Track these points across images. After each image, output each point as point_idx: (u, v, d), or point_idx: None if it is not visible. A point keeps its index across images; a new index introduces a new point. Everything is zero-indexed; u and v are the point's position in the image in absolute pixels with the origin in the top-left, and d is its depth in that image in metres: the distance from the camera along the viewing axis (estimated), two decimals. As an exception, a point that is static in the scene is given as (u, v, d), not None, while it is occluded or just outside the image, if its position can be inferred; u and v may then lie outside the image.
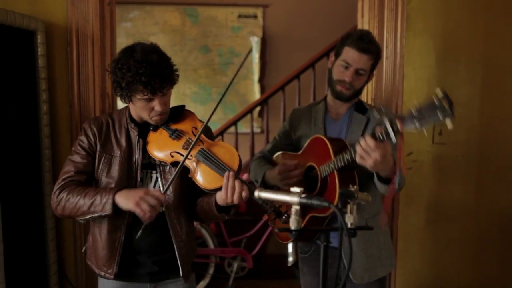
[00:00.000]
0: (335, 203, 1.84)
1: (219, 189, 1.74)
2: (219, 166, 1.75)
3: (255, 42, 5.82)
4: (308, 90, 4.95)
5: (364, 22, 2.81)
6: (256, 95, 5.82)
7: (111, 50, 2.66)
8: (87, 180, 1.84)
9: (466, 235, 2.88)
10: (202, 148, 1.79)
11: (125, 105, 1.93)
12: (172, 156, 1.81)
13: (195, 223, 3.79)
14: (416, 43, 2.73)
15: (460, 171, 2.83)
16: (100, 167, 1.85)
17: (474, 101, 2.80)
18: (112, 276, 1.83)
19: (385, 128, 1.59)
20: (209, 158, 1.77)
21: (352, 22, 3.06)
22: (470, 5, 2.75)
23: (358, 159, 1.70)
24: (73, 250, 2.69)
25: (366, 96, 2.83)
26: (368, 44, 1.98)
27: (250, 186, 1.74)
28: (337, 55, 2.04)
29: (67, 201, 1.76)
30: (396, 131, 1.57)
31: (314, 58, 4.89)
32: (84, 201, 1.74)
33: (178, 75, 1.80)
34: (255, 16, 5.81)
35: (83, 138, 1.87)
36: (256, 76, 5.87)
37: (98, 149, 1.85)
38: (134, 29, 5.61)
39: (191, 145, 1.76)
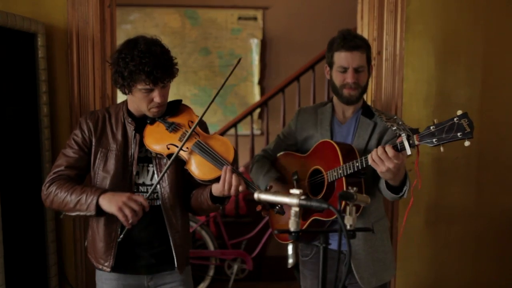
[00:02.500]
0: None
1: (214, 180, 1.77)
2: (214, 158, 1.78)
3: (255, 44, 5.83)
4: (308, 92, 4.95)
5: (363, 24, 2.82)
6: (256, 97, 5.83)
7: (111, 53, 2.66)
8: (77, 176, 1.87)
9: (466, 236, 2.88)
10: (198, 140, 1.83)
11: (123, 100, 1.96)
12: (169, 148, 1.84)
13: (195, 224, 3.81)
14: (415, 45, 2.73)
15: (460, 172, 2.83)
16: (96, 161, 1.87)
17: (474, 102, 2.80)
18: (109, 269, 1.86)
19: (402, 141, 1.63)
20: (204, 149, 1.80)
21: (352, 24, 3.07)
22: (470, 7, 2.76)
23: (370, 162, 1.72)
24: (73, 252, 2.69)
25: (366, 98, 2.83)
26: (353, 41, 1.98)
27: (247, 180, 1.76)
28: (331, 65, 2.05)
29: (55, 196, 1.81)
30: (412, 145, 1.61)
31: (314, 60, 4.90)
32: (70, 198, 1.77)
33: (177, 69, 1.85)
34: (255, 18, 5.82)
35: (77, 132, 1.89)
36: (256, 78, 5.88)
37: (93, 144, 1.88)
38: (134, 31, 5.59)
39: (186, 136, 1.80)
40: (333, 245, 2.01)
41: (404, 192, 1.85)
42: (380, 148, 1.68)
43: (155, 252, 1.91)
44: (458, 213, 2.85)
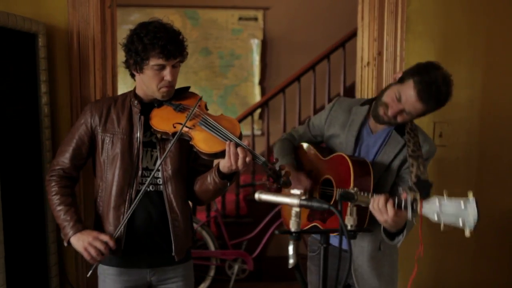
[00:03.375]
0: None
1: (220, 153, 1.77)
2: (221, 132, 1.80)
3: (255, 44, 5.83)
4: (308, 92, 4.96)
5: (364, 25, 2.82)
6: (257, 97, 5.83)
7: (112, 53, 2.67)
8: (75, 168, 1.95)
9: (466, 238, 2.87)
10: (204, 117, 1.85)
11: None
12: (175, 127, 1.85)
13: (196, 225, 3.79)
14: (416, 46, 2.73)
15: (461, 173, 2.83)
16: (104, 147, 1.91)
17: (475, 103, 2.80)
18: (120, 253, 1.88)
19: (406, 203, 1.57)
20: (211, 125, 1.83)
21: (352, 25, 3.07)
22: (470, 7, 2.76)
23: (370, 208, 1.67)
24: (74, 252, 2.69)
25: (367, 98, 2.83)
26: (430, 96, 1.80)
27: (253, 151, 1.76)
28: (401, 80, 1.87)
29: (51, 200, 1.92)
30: (414, 211, 1.56)
31: (315, 61, 4.90)
32: (58, 214, 1.89)
33: (187, 53, 1.91)
34: (255, 19, 5.82)
35: (81, 120, 1.94)
36: (256, 78, 5.88)
37: (99, 130, 1.91)
38: (135, 32, 5.62)
39: (191, 110, 1.84)
40: (336, 242, 2.00)
41: (398, 242, 1.80)
42: (382, 201, 1.62)
43: (156, 241, 1.92)
44: (458, 213, 2.85)
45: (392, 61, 2.72)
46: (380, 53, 2.73)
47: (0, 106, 2.28)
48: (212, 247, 3.95)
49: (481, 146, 2.81)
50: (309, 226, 2.00)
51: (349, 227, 1.42)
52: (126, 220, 1.84)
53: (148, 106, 1.93)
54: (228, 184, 1.87)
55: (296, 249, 1.37)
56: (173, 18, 6.51)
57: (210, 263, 3.97)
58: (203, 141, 1.80)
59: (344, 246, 2.01)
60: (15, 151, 2.38)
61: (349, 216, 1.44)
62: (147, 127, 1.89)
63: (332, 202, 1.93)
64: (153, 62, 1.80)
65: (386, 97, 1.87)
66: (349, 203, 1.49)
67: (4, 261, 2.16)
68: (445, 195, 1.50)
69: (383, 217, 1.63)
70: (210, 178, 1.86)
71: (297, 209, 1.33)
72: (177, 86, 1.96)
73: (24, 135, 2.45)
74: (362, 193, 1.67)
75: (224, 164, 1.76)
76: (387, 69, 2.72)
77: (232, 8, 5.77)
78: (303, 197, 1.32)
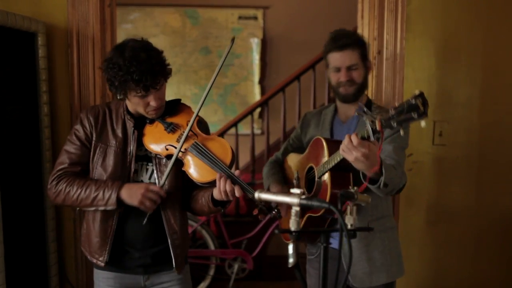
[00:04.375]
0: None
1: (212, 182, 1.78)
2: (211, 160, 1.78)
3: (255, 43, 5.82)
4: (308, 91, 4.95)
5: (364, 24, 2.82)
6: (257, 96, 5.82)
7: (111, 52, 2.67)
8: (82, 171, 1.88)
9: (466, 236, 2.88)
10: (195, 142, 1.83)
11: None
12: (167, 149, 1.85)
13: (195, 224, 3.80)
14: (416, 45, 2.73)
15: (460, 172, 2.83)
16: (95, 156, 1.88)
17: (474, 102, 2.80)
18: (103, 264, 1.87)
19: (366, 129, 1.58)
20: (202, 151, 1.80)
21: (352, 24, 3.06)
22: (470, 7, 2.75)
23: (341, 152, 1.70)
24: (73, 252, 2.69)
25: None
26: (342, 39, 1.98)
27: (244, 184, 1.76)
28: (327, 66, 2.07)
29: (67, 194, 1.82)
30: (375, 131, 1.56)
31: (314, 60, 4.89)
32: (85, 195, 1.80)
33: (170, 69, 1.83)
34: (255, 18, 5.81)
35: (79, 127, 1.90)
36: (256, 78, 5.88)
37: (94, 138, 1.88)
38: (135, 31, 5.61)
39: (183, 138, 1.80)
40: (334, 244, 2.00)
41: (380, 184, 1.76)
42: (346, 137, 1.66)
43: (151, 252, 1.91)
44: (458, 213, 2.85)
45: (392, 60, 2.72)
46: (380, 52, 2.73)
47: (0, 105, 2.28)
48: (212, 246, 3.95)
49: (481, 145, 2.81)
50: (304, 219, 2.00)
51: (349, 226, 1.42)
52: (113, 233, 1.84)
53: (141, 119, 1.91)
54: (222, 210, 1.90)
55: (296, 248, 1.37)
56: (173, 17, 6.50)
57: (210, 262, 3.97)
58: (194, 169, 1.81)
59: (336, 245, 2.02)
60: (14, 150, 2.38)
61: (349, 216, 1.43)
62: (140, 141, 1.88)
63: (316, 181, 1.95)
64: (133, 93, 1.77)
65: (333, 81, 2.05)
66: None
67: (4, 260, 2.16)
68: (395, 104, 1.48)
69: (352, 154, 1.64)
70: (204, 201, 1.87)
71: (297, 208, 1.33)
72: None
73: (24, 134, 2.45)
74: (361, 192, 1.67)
75: (216, 195, 1.78)
76: (387, 68, 2.72)
77: (232, 7, 5.76)
78: (303, 196, 1.32)
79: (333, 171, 1.86)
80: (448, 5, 2.74)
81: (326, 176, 1.89)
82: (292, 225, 1.34)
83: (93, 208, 1.83)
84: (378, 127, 1.53)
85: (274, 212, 1.76)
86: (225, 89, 5.89)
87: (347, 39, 1.99)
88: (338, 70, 2.01)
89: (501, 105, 2.83)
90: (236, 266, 3.99)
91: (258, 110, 5.49)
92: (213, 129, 3.62)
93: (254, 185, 4.40)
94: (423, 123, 1.41)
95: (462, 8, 2.75)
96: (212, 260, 3.99)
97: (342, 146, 1.69)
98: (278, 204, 1.77)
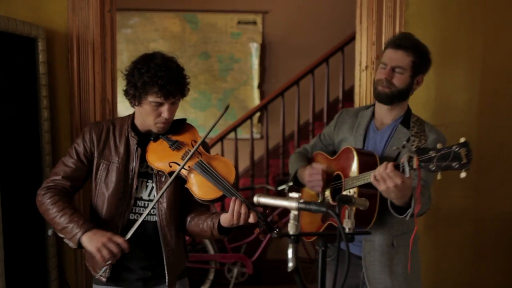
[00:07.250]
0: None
1: (214, 200, 1.79)
2: (215, 178, 1.79)
3: (254, 48, 5.84)
4: (307, 96, 4.96)
5: (362, 29, 2.83)
6: (256, 101, 5.84)
7: (111, 57, 2.68)
8: (71, 187, 1.90)
9: (465, 240, 2.88)
10: (200, 160, 1.83)
11: (127, 113, 1.98)
12: (171, 166, 1.85)
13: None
14: (414, 49, 2.74)
15: (459, 176, 2.83)
16: (98, 173, 1.89)
17: (473, 106, 2.81)
18: (104, 279, 1.87)
19: (403, 162, 1.59)
20: (206, 169, 1.81)
21: (351, 29, 3.08)
22: (468, 11, 2.77)
23: (372, 180, 1.69)
24: (73, 256, 2.69)
25: (368, 103, 2.84)
26: (401, 40, 1.94)
27: (256, 210, 1.74)
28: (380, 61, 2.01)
29: (47, 211, 1.84)
30: (411, 168, 1.57)
31: (313, 64, 4.91)
32: (59, 221, 1.81)
33: (189, 89, 1.91)
34: (254, 23, 5.83)
35: (80, 142, 1.91)
36: (255, 82, 5.89)
37: (95, 156, 1.90)
38: (134, 36, 5.63)
39: (189, 155, 1.80)
40: (354, 250, 1.99)
41: (407, 215, 1.76)
42: (382, 166, 1.64)
43: (150, 266, 1.92)
44: (457, 216, 2.86)
45: (391, 64, 2.72)
46: (378, 57, 2.74)
47: (0, 110, 2.28)
48: (211, 250, 3.95)
49: (480, 149, 2.81)
50: (324, 226, 2.00)
51: (347, 230, 1.43)
52: (132, 232, 1.81)
53: (145, 136, 1.92)
54: (226, 237, 1.89)
55: (295, 253, 1.37)
56: (172, 22, 6.52)
57: (210, 267, 3.97)
58: (197, 186, 1.82)
59: (358, 252, 2.00)
60: (14, 154, 2.38)
61: (347, 219, 1.44)
62: (143, 158, 1.89)
63: (343, 190, 1.93)
64: (151, 98, 1.79)
65: (376, 75, 2.00)
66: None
67: (4, 264, 2.16)
68: (438, 146, 1.51)
69: (385, 183, 1.63)
70: (206, 227, 1.85)
71: (296, 212, 1.34)
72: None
73: (23, 138, 2.45)
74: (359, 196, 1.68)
75: (226, 220, 1.76)
76: (386, 73, 2.73)
77: (231, 12, 5.78)
78: (301, 201, 1.33)
79: (361, 187, 1.84)
80: (446, 11, 2.75)
81: (352, 191, 1.87)
82: (291, 229, 1.35)
83: (60, 235, 1.84)
84: (415, 165, 1.54)
85: (275, 232, 1.74)
86: (225, 93, 5.90)
87: (406, 41, 1.94)
88: (384, 67, 1.95)
89: (500, 110, 2.84)
90: (235, 271, 3.98)
91: (258, 114, 5.51)
92: (212, 133, 3.62)
93: (254, 189, 4.41)
94: (463, 174, 1.44)
95: (460, 13, 2.76)
96: (211, 264, 3.99)
97: (376, 173, 1.66)
98: (279, 222, 1.76)
